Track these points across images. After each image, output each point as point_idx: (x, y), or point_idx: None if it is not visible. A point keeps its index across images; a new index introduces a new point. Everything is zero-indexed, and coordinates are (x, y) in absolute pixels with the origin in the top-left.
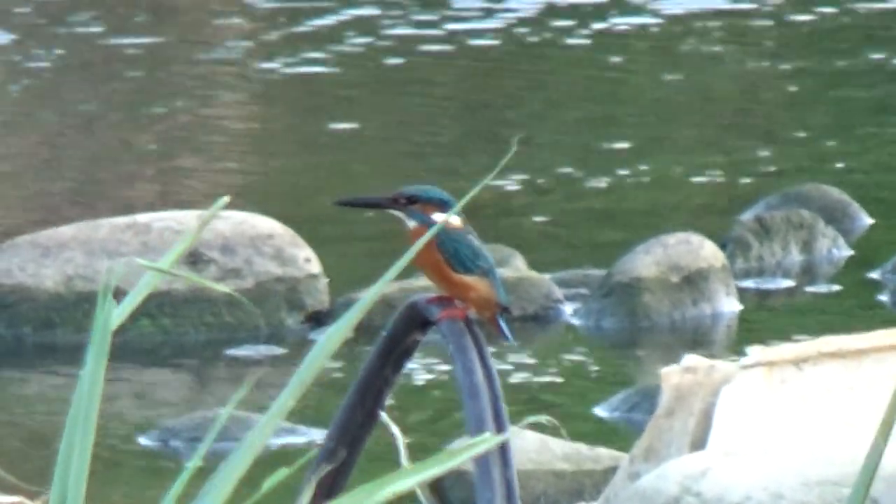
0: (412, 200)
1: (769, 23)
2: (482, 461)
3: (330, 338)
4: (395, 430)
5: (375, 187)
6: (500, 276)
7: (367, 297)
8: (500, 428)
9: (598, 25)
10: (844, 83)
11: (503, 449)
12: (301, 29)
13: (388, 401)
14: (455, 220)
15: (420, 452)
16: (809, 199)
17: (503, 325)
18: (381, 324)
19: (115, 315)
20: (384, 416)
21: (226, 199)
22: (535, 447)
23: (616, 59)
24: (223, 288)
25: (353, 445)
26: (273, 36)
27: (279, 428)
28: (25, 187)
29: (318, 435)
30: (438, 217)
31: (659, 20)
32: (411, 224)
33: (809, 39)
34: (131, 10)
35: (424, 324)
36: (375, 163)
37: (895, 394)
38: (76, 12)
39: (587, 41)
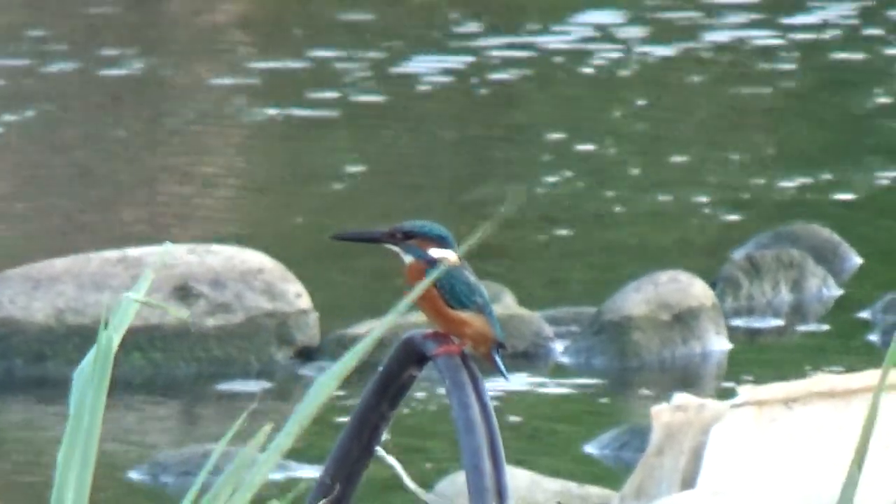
0: (409, 235)
1: (780, 65)
2: (478, 498)
3: (328, 379)
4: (392, 461)
5: (368, 223)
6: (495, 312)
7: (367, 340)
8: (496, 463)
9: (594, 60)
10: (835, 123)
11: (500, 486)
12: (296, 66)
13: (384, 435)
14: (452, 256)
15: (421, 483)
16: (799, 239)
17: (499, 361)
18: (374, 360)
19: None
20: (380, 451)
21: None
22: (525, 484)
23: (609, 94)
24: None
25: (348, 480)
26: (267, 74)
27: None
28: (16, 220)
29: (309, 470)
30: (435, 252)
31: (650, 56)
32: (408, 259)
33: (813, 78)
34: (122, 42)
35: (421, 359)
36: (369, 198)
37: (866, 422)
38: (62, 45)
39: (581, 78)
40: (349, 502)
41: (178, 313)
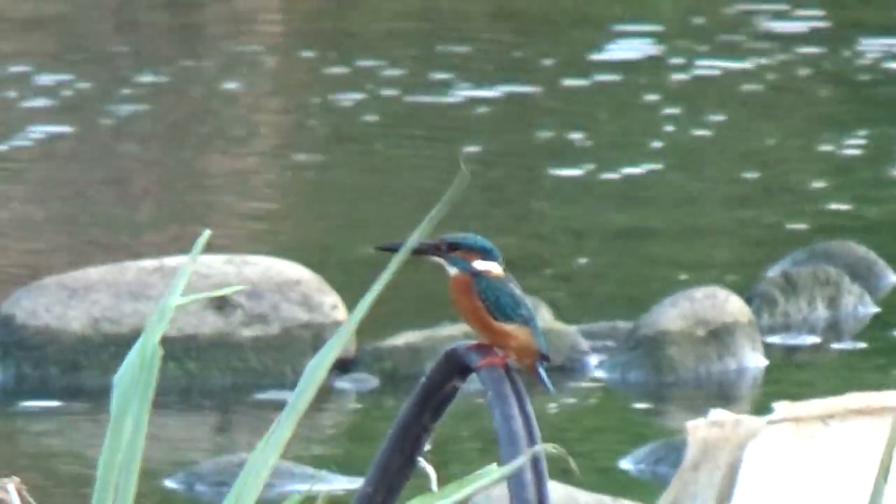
0: (454, 247)
1: (821, 87)
2: None
3: (320, 361)
4: (429, 469)
5: (405, 236)
6: (539, 326)
7: (365, 302)
8: (538, 477)
9: (642, 78)
10: (876, 143)
11: (541, 498)
12: (333, 71)
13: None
14: (496, 268)
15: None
16: (836, 256)
17: (543, 374)
18: (410, 373)
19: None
20: (422, 462)
21: (207, 232)
22: (560, 498)
23: (651, 106)
24: None
25: (390, 492)
26: (304, 78)
27: (306, 475)
28: (53, 230)
29: (345, 482)
30: (479, 265)
31: (690, 70)
32: (452, 271)
33: (849, 100)
34: (151, 52)
35: (463, 371)
36: (405, 211)
37: (892, 433)
38: (90, 53)
39: (624, 90)
40: None
41: (226, 292)
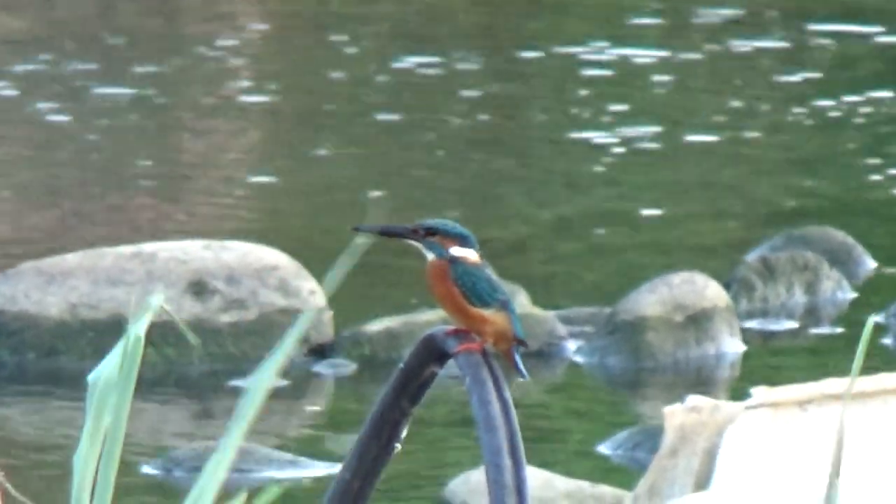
0: (431, 232)
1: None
2: (498, 495)
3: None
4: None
5: (385, 222)
6: (517, 311)
7: (331, 279)
8: (516, 461)
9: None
10: (850, 128)
11: (519, 483)
12: (303, 58)
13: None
14: (473, 255)
15: (435, 481)
16: (814, 242)
17: (518, 360)
18: (388, 358)
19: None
20: (398, 447)
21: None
22: (538, 484)
23: (623, 93)
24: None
25: (367, 478)
26: (277, 66)
27: (285, 461)
28: (30, 215)
29: (324, 468)
30: (456, 251)
31: (671, 57)
32: (430, 256)
33: (823, 84)
34: (132, 45)
35: (441, 356)
36: (386, 197)
37: (839, 432)
38: (76, 43)
39: (593, 78)
40: (367, 499)
41: (193, 339)
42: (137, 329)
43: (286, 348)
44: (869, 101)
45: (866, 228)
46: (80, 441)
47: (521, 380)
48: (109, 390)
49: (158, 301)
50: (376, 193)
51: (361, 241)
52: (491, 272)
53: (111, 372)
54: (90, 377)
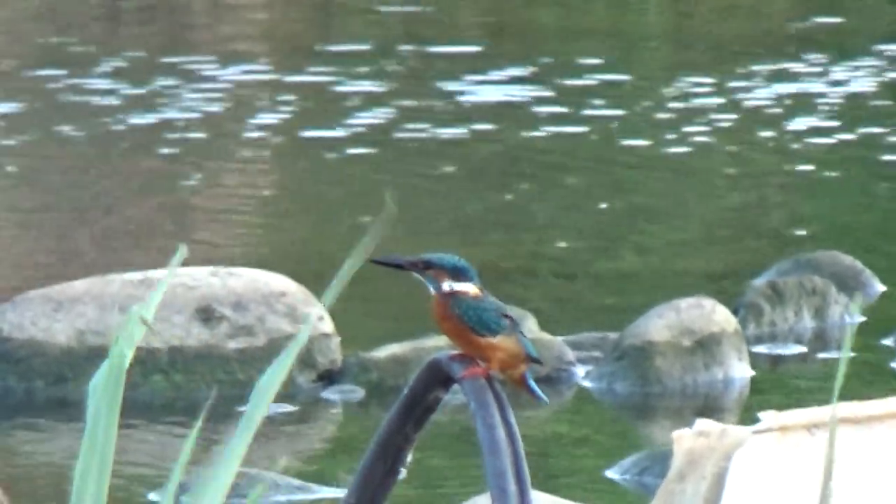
0: (428, 266)
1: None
2: None
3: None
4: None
5: (393, 251)
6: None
7: (335, 283)
8: (521, 486)
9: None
10: (858, 150)
11: None
12: (319, 95)
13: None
14: (471, 288)
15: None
16: (822, 266)
17: (534, 385)
18: (396, 384)
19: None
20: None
21: (184, 248)
22: None
23: (634, 123)
24: None
25: (372, 502)
26: (288, 100)
27: (291, 486)
28: (38, 242)
29: (331, 493)
30: (449, 285)
31: (679, 87)
32: (431, 289)
33: (840, 108)
34: (148, 69)
35: (446, 381)
36: (395, 225)
37: (828, 452)
38: (73, 69)
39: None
40: None
41: (153, 329)
42: (125, 336)
43: (291, 355)
44: (875, 125)
45: (873, 252)
46: (79, 454)
47: (541, 403)
48: (101, 400)
49: (140, 311)
50: (383, 216)
51: (357, 259)
52: (494, 299)
53: (102, 381)
54: (90, 386)
